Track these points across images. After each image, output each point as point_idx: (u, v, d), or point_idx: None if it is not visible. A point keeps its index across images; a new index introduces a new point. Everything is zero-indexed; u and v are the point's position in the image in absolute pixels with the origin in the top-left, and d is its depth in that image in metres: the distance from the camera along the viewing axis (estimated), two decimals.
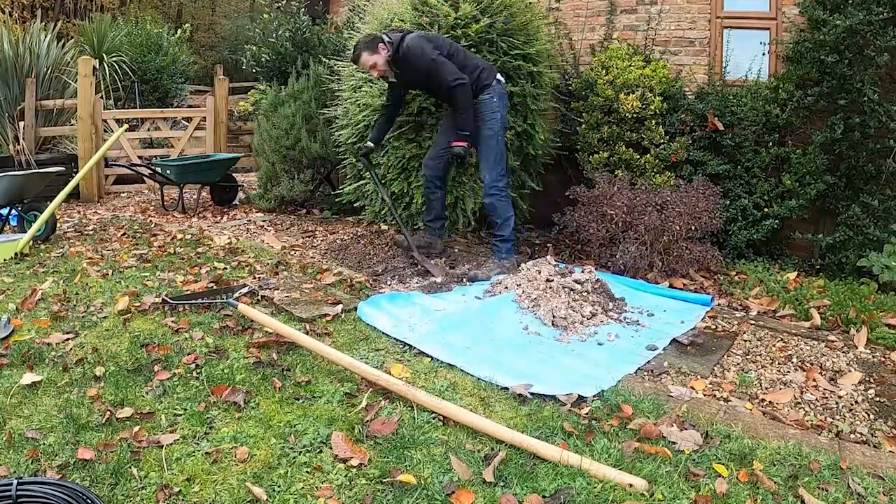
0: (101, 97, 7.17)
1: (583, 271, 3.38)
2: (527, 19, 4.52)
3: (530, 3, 4.73)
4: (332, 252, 4.40)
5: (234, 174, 6.53)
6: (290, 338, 2.61)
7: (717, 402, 2.33)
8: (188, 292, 3.29)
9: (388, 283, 3.73)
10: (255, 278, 3.61)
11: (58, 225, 4.87)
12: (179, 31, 11.43)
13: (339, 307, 3.13)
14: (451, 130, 3.86)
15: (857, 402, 2.37)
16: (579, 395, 2.29)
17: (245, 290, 3.29)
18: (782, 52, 4.45)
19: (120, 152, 6.89)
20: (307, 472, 1.80)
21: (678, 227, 3.87)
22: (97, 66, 7.83)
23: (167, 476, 1.75)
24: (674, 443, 1.99)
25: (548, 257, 3.60)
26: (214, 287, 3.38)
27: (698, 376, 2.56)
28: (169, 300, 3.06)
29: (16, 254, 3.97)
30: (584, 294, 3.19)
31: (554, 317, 2.98)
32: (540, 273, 3.31)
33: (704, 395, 2.40)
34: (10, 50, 7.14)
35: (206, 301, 3.11)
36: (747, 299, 3.57)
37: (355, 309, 3.14)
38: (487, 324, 2.97)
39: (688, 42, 4.92)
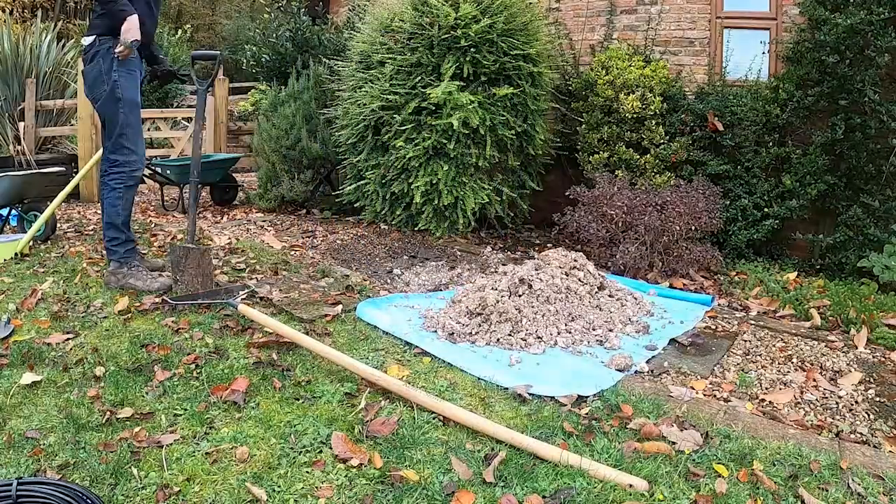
0: None
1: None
2: (527, 19, 4.52)
3: (530, 3, 4.73)
4: (333, 252, 4.40)
5: (234, 174, 6.53)
6: (290, 338, 2.61)
7: (717, 402, 2.33)
8: (189, 293, 3.28)
9: (389, 283, 3.73)
10: (255, 278, 3.61)
11: (58, 225, 4.87)
12: (180, 31, 11.42)
13: (339, 307, 3.13)
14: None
15: (857, 402, 2.37)
16: (579, 395, 2.29)
17: (245, 291, 3.26)
18: (782, 52, 4.45)
19: None
20: (307, 472, 1.80)
21: (678, 228, 3.87)
22: None
23: (167, 476, 1.75)
24: (674, 443, 1.99)
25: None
26: (218, 287, 3.37)
27: (698, 376, 2.56)
28: (169, 300, 3.04)
29: (16, 254, 3.96)
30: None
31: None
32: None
33: (704, 395, 2.40)
34: (10, 50, 7.14)
35: (207, 301, 3.09)
36: (747, 299, 3.57)
37: (355, 309, 3.14)
38: None
39: (688, 42, 4.92)
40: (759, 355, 2.80)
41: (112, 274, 3.29)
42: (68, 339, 2.67)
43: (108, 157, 3.26)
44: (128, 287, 3.25)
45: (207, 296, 3.16)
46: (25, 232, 4.33)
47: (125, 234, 3.30)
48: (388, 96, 4.46)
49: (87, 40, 3.25)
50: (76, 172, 5.03)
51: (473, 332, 2.85)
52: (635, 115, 4.49)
